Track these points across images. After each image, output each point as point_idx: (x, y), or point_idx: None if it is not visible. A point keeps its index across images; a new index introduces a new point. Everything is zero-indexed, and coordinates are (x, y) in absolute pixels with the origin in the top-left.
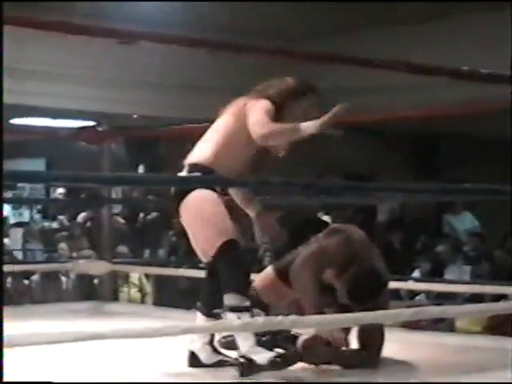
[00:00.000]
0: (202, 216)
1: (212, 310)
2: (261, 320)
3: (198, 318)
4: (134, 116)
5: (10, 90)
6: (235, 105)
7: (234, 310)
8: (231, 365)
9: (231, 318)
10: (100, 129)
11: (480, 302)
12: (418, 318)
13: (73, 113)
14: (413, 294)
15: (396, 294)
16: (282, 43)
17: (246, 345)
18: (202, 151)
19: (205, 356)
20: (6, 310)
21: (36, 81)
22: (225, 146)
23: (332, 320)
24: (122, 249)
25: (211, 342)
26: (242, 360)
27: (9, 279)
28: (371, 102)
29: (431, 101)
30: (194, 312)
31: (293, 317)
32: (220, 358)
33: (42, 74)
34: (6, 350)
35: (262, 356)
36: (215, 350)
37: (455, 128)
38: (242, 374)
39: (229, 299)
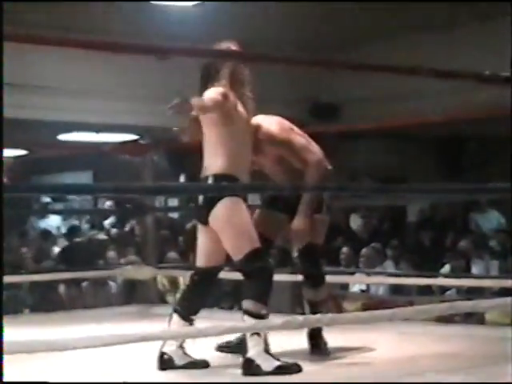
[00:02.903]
0: (234, 222)
1: (190, 315)
2: (300, 319)
3: (174, 321)
4: (174, 129)
5: (60, 107)
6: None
7: (250, 314)
8: (200, 367)
9: (248, 321)
10: (142, 142)
11: (508, 295)
12: (451, 312)
13: (116, 127)
14: (443, 289)
15: (428, 290)
16: (310, 53)
17: (255, 349)
18: (216, 163)
19: (177, 358)
20: (60, 315)
21: (81, 98)
22: (232, 153)
23: (366, 317)
24: (172, 254)
25: (181, 345)
26: (248, 362)
27: (62, 286)
28: (398, 109)
29: (455, 104)
30: (236, 312)
31: (330, 315)
32: (189, 360)
33: (87, 92)
34: (64, 352)
35: (269, 363)
36: (185, 353)
37: (480, 130)
38: (245, 374)
39: (248, 304)
